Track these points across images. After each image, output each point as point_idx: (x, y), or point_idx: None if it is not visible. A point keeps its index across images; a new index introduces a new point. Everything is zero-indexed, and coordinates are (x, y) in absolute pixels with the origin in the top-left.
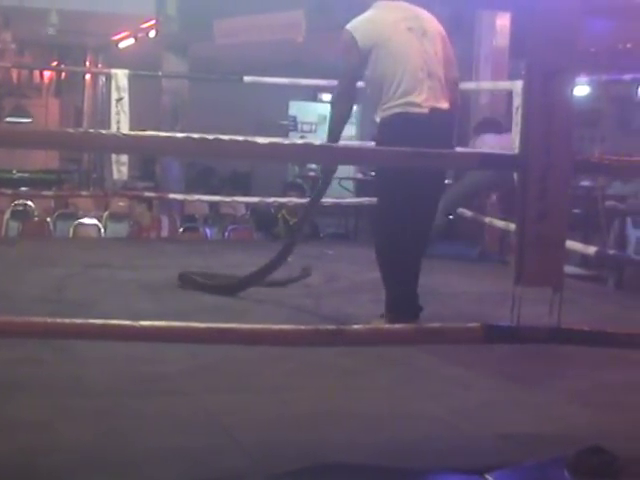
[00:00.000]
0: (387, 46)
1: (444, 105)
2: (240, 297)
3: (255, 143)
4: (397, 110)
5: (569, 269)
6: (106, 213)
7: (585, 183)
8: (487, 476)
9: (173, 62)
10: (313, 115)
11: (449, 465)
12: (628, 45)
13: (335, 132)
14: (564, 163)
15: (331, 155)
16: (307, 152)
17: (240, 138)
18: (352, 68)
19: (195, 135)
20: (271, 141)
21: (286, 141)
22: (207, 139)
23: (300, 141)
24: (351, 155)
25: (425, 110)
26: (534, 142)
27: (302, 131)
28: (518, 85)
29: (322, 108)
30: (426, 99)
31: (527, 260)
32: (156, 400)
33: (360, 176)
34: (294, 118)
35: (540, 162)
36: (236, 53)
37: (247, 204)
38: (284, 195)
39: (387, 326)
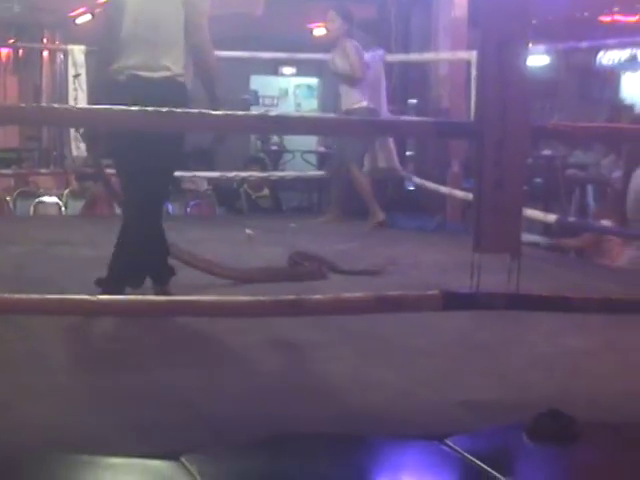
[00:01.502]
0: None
1: (152, 73)
2: (202, 273)
3: (208, 114)
4: (110, 77)
5: (532, 238)
6: (66, 191)
7: (546, 152)
8: (447, 442)
9: None
10: (274, 89)
11: (410, 433)
12: (585, 14)
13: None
14: (519, 131)
15: (283, 126)
16: (260, 123)
17: (194, 110)
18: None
19: (149, 108)
20: (225, 112)
21: (240, 113)
22: (160, 111)
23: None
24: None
25: (122, 77)
26: (489, 110)
27: (264, 105)
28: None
29: (283, 82)
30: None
31: (485, 227)
32: (117, 376)
33: (322, 149)
34: (255, 92)
35: (495, 130)
36: None
37: (209, 179)
38: (246, 170)
39: (347, 295)
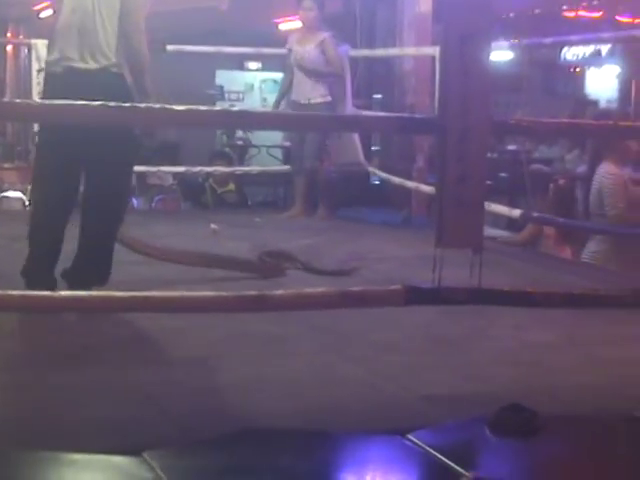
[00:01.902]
0: None
1: (86, 64)
2: (169, 268)
3: (171, 109)
4: (47, 69)
5: (497, 232)
6: (30, 186)
7: (511, 147)
8: (409, 437)
9: None
10: (240, 84)
11: (372, 427)
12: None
13: None
14: (482, 125)
15: (249, 120)
16: (224, 118)
17: (157, 105)
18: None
19: (111, 103)
20: (188, 107)
21: (203, 108)
22: (123, 106)
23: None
24: (265, 121)
25: (59, 69)
26: (451, 105)
27: (229, 100)
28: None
29: (249, 77)
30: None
31: (447, 222)
32: (82, 372)
33: (288, 144)
34: (221, 87)
35: (458, 125)
36: (160, 22)
37: (175, 174)
38: (211, 164)
39: (310, 290)
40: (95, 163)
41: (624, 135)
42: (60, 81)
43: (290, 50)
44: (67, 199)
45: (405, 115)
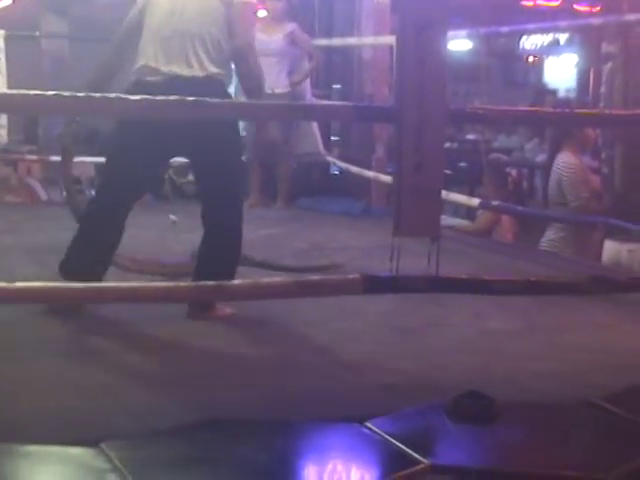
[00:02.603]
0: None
1: (188, 71)
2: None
3: (126, 99)
4: (132, 77)
5: (456, 221)
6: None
7: (471, 136)
8: (367, 424)
9: (53, 22)
10: None
11: (331, 416)
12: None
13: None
14: (438, 114)
15: (202, 110)
16: (180, 108)
17: (112, 95)
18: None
19: (65, 93)
20: (142, 97)
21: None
22: (78, 96)
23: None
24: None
25: (158, 78)
26: (408, 94)
27: None
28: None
29: None
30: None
31: (404, 211)
32: (39, 363)
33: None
34: None
35: (414, 114)
36: (117, 12)
37: None
38: None
39: (267, 280)
40: (202, 162)
41: (578, 123)
42: (159, 91)
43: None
44: (133, 199)
45: (362, 104)
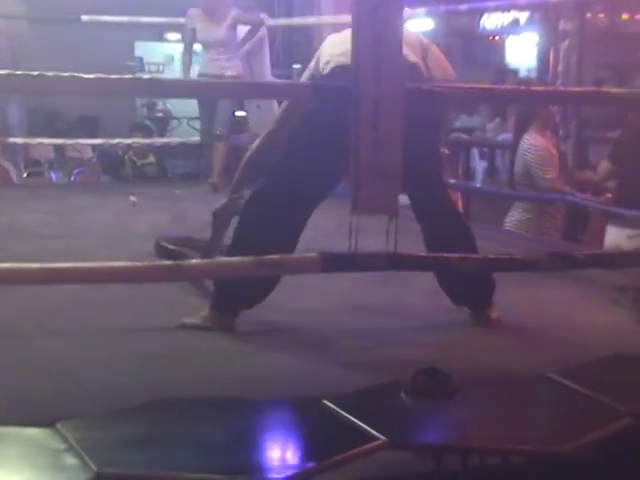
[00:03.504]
0: None
1: None
2: (85, 242)
3: (80, 77)
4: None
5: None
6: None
7: None
8: (325, 402)
9: (10, 2)
10: (160, 55)
11: (290, 394)
12: None
13: None
14: (395, 93)
15: (157, 89)
16: (134, 86)
17: (65, 74)
18: None
19: (18, 72)
20: (97, 75)
21: (113, 76)
22: (30, 75)
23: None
24: (177, 89)
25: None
26: (364, 73)
27: (149, 72)
28: None
29: (169, 48)
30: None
31: (362, 189)
32: None
33: None
34: (140, 59)
35: (371, 92)
36: None
37: (94, 147)
38: (131, 137)
39: (225, 259)
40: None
41: (531, 100)
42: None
43: (193, 29)
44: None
45: (317, 82)
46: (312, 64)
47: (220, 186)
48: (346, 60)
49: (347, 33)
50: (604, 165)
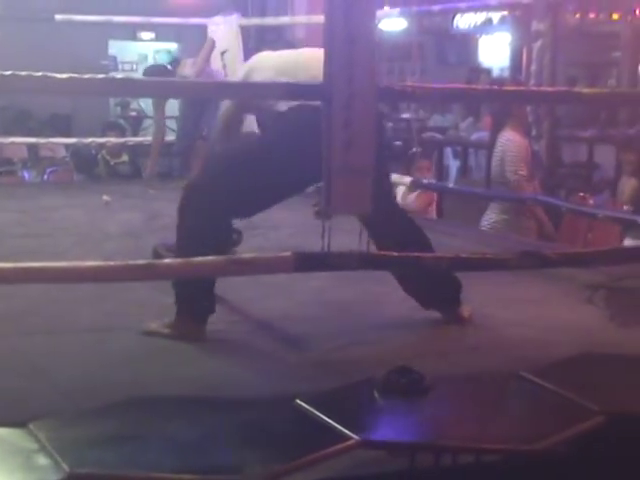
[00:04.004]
0: None
1: None
2: (59, 240)
3: (53, 77)
4: None
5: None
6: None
7: (406, 116)
8: (298, 401)
9: None
10: (133, 54)
11: (263, 393)
12: None
13: None
14: (368, 91)
15: (130, 88)
16: (107, 86)
17: (38, 73)
18: None
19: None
20: (70, 75)
21: (86, 76)
22: (2, 74)
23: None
24: (151, 89)
25: None
26: (337, 71)
27: (123, 70)
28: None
29: (142, 47)
30: None
31: (335, 188)
32: None
33: None
34: (114, 58)
35: (343, 91)
36: None
37: (67, 146)
38: (104, 136)
39: (198, 258)
40: None
41: (504, 99)
42: None
43: None
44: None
45: (290, 81)
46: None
47: None
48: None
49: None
50: (633, 184)
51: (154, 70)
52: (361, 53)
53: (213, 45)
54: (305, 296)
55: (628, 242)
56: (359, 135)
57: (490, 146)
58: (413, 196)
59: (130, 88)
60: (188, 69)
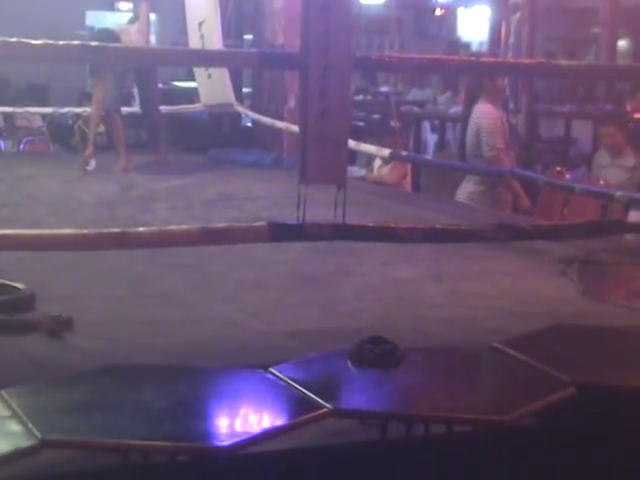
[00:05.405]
0: None
1: None
2: (33, 210)
3: (28, 43)
4: None
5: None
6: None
7: (384, 89)
8: (271, 370)
9: None
10: (111, 25)
11: (235, 362)
12: None
13: None
14: (343, 61)
15: (106, 55)
16: (82, 52)
17: (13, 39)
18: None
19: None
20: (45, 41)
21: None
22: None
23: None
24: (128, 55)
25: None
26: (313, 41)
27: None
28: None
29: (119, 17)
30: None
31: (310, 159)
32: None
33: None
34: (91, 28)
35: (319, 60)
36: None
37: (44, 116)
38: (80, 106)
39: (173, 228)
40: None
41: (481, 71)
42: None
43: None
44: None
45: (266, 50)
46: None
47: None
48: None
49: None
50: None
51: (102, 34)
52: (337, 22)
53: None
54: (277, 267)
55: (634, 215)
56: (335, 105)
57: (464, 119)
58: (387, 169)
59: (106, 55)
60: (134, 36)
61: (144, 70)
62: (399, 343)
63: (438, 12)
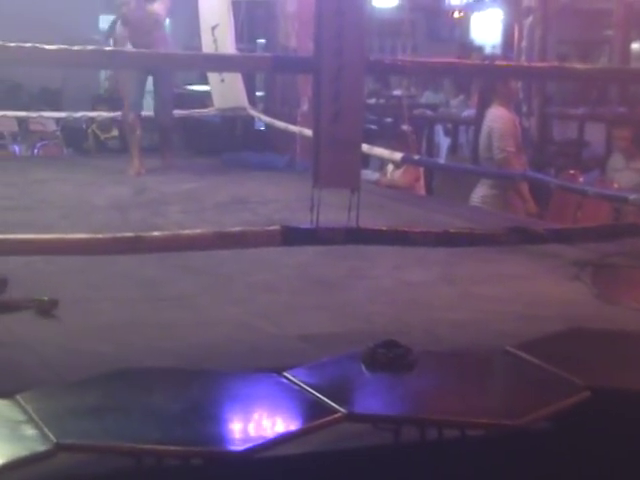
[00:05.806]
0: None
1: None
2: (43, 214)
3: (42, 48)
4: None
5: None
6: None
7: (397, 92)
8: (285, 374)
9: None
10: None
11: (249, 366)
12: None
13: None
14: (356, 64)
15: (119, 60)
16: (96, 57)
17: (28, 45)
18: None
19: None
20: (59, 46)
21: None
22: None
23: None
24: (140, 60)
25: None
26: (326, 44)
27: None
28: None
29: None
30: None
31: (323, 162)
32: None
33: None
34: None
35: (332, 64)
36: None
37: (58, 120)
38: (94, 110)
39: (187, 232)
40: None
41: (494, 74)
42: None
43: None
44: None
45: (279, 54)
46: None
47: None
48: None
49: None
50: None
51: None
52: (350, 25)
53: None
54: (290, 270)
55: None
56: (348, 108)
57: (477, 122)
58: (400, 172)
59: (120, 60)
60: (157, 6)
61: (162, 72)
62: (412, 346)
63: (457, 15)
